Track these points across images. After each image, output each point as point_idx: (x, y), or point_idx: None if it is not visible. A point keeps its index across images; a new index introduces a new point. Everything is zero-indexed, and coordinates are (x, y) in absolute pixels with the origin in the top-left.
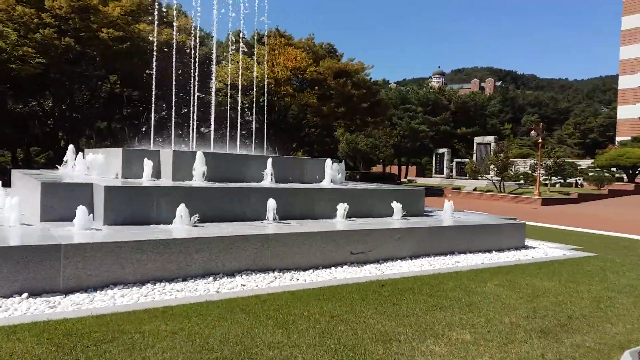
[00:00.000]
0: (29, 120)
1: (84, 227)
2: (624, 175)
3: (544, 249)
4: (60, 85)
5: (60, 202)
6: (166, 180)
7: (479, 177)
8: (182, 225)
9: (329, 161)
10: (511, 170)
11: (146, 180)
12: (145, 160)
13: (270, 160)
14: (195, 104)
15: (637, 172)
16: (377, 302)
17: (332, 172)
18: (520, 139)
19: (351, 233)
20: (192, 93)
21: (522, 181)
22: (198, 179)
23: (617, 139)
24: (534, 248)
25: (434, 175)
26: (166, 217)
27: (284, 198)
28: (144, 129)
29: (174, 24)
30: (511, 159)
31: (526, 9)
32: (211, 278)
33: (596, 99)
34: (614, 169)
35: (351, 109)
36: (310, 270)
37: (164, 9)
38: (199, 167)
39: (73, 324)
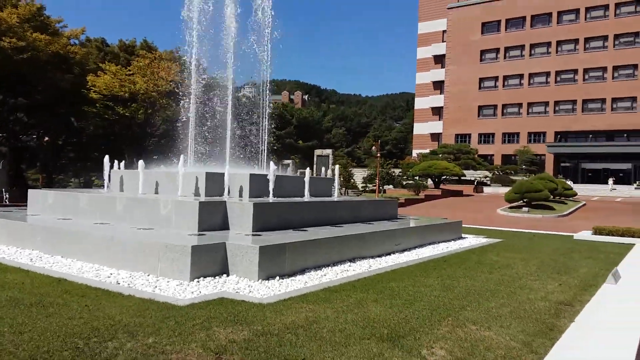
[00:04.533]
0: None
1: (250, 233)
2: (426, 183)
3: (471, 238)
4: None
5: (207, 215)
6: (244, 198)
7: None
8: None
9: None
10: (353, 179)
11: (246, 198)
12: (239, 181)
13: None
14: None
15: (442, 179)
16: (463, 266)
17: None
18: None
19: (396, 231)
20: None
21: (344, 189)
22: (270, 196)
23: (414, 151)
24: (466, 238)
25: None
26: (283, 223)
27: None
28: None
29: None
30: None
31: (323, 25)
32: (348, 263)
33: (388, 115)
34: (417, 177)
35: None
36: (382, 257)
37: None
38: (272, 186)
39: (349, 287)
